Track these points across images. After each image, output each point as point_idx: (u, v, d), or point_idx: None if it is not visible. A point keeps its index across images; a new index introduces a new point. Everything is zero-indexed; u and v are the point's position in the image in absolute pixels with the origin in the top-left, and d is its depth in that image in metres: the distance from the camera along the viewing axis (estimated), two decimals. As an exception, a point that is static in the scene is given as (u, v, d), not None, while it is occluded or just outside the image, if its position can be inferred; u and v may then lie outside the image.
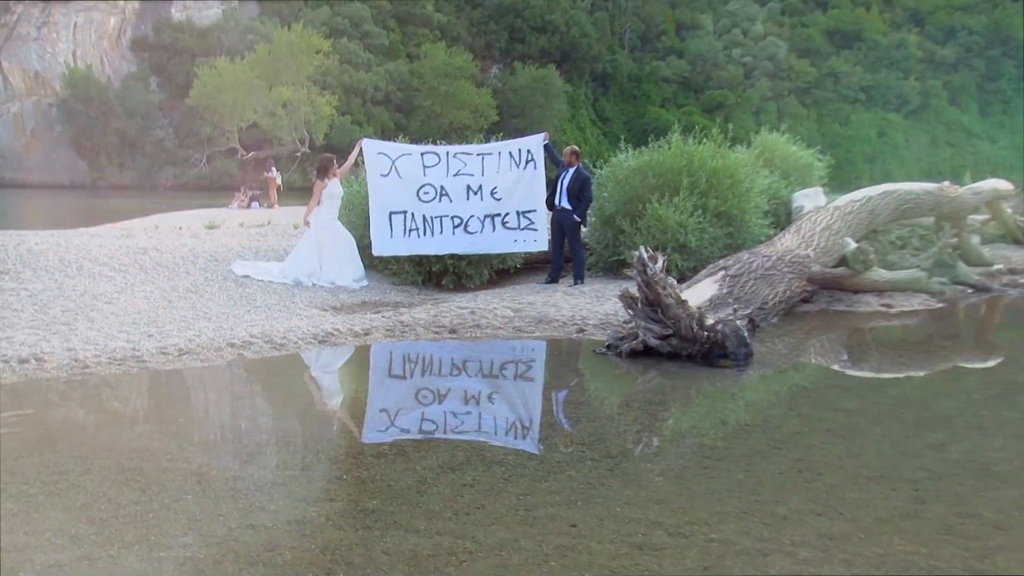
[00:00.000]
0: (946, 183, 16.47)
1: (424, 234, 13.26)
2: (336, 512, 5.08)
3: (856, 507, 5.18)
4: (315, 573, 4.29)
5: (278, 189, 34.16)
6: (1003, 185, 18.88)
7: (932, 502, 5.29)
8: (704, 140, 14.85)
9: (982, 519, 5.03)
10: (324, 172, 13.31)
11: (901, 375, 9.17)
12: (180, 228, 17.39)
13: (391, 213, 13.21)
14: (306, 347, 9.51)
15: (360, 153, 13.50)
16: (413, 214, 13.23)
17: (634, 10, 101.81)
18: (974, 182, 18.52)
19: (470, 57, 79.01)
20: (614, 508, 5.12)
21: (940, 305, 12.87)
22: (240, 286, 12.23)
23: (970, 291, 13.96)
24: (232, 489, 5.40)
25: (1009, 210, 19.28)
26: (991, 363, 9.98)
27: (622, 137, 16.97)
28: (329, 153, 15.03)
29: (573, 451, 6.27)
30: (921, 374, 9.26)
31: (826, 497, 5.35)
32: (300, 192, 45.13)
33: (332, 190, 13.16)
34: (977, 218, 18.08)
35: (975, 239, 16.91)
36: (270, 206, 31.83)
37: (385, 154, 13.43)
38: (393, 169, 13.29)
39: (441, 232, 13.29)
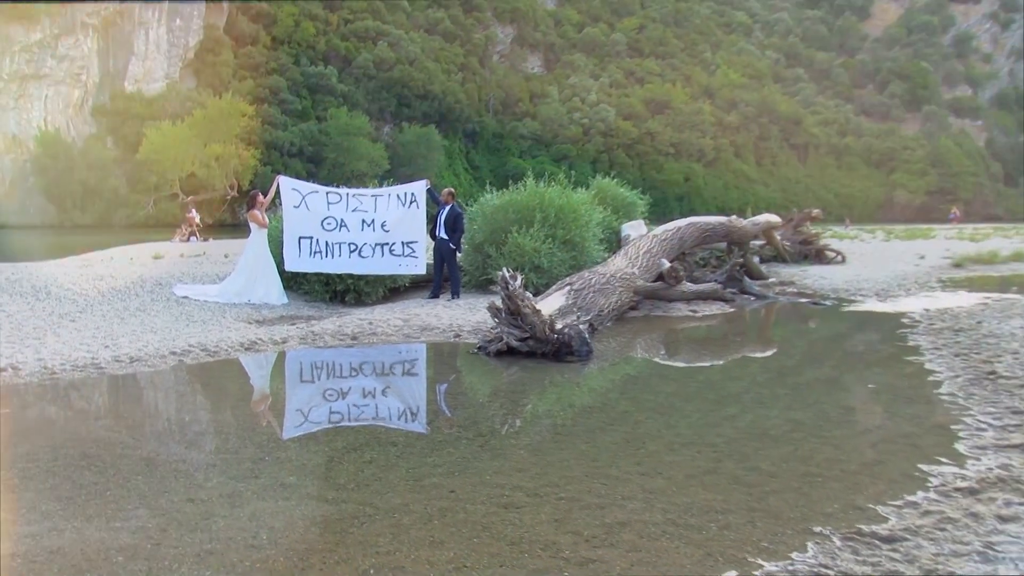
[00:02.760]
0: (734, 216, 17.11)
1: (326, 256, 13.16)
2: (261, 487, 4.92)
3: (671, 467, 5.30)
4: (244, 537, 4.15)
5: (197, 227, 33.52)
6: (774, 218, 19.85)
7: (726, 460, 5.45)
8: (553, 183, 15.07)
9: (761, 471, 5.21)
10: (252, 202, 13.42)
11: (705, 364, 9.38)
12: (131, 259, 16.59)
13: (300, 237, 13.09)
14: (235, 353, 9.24)
15: (278, 188, 13.32)
16: (318, 239, 13.12)
17: (497, 82, 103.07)
18: (754, 216, 19.33)
19: (367, 119, 79.32)
20: (485, 476, 5.10)
21: (732, 310, 13.30)
22: (180, 305, 11.87)
23: (753, 299, 14.47)
24: (175, 470, 5.19)
25: (778, 236, 20.20)
26: (769, 353, 10.32)
27: (488, 181, 17.12)
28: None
29: (452, 432, 6.23)
30: (719, 363, 9.49)
31: (649, 460, 5.45)
32: (230, 228, 43.93)
33: (260, 216, 13.04)
34: (756, 243, 18.86)
35: (756, 259, 17.62)
36: (204, 240, 30.96)
37: (297, 190, 13.32)
38: (303, 202, 13.19)
39: (340, 255, 13.19)
